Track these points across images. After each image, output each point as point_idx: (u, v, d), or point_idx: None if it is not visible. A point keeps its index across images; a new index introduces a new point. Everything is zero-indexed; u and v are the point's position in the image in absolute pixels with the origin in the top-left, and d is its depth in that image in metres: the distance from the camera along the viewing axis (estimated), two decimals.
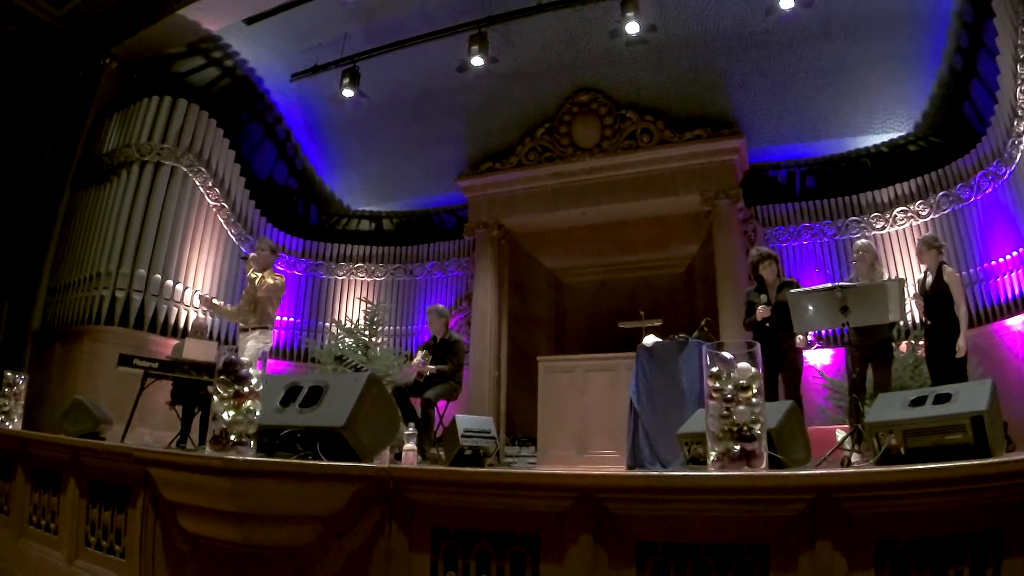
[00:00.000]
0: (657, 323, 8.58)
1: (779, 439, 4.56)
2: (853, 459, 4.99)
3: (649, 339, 7.54)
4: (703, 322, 7.76)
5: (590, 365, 9.70)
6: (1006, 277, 10.16)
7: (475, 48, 11.41)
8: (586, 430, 9.31)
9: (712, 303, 11.78)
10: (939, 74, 11.70)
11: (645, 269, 14.11)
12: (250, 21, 11.90)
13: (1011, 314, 9.98)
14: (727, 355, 2.91)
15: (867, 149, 12.82)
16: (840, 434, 6.02)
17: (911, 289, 7.46)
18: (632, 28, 11.03)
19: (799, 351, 7.00)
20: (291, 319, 13.84)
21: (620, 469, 7.13)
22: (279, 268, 12.99)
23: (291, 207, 15.24)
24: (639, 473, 2.69)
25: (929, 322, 6.86)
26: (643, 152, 12.84)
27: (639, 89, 12.98)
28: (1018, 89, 9.26)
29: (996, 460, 2.63)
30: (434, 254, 14.56)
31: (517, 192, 13.55)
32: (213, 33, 12.16)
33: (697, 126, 12.76)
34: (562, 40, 12.21)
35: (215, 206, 12.38)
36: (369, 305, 12.83)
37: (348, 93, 12.25)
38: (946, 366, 6.66)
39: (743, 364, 2.90)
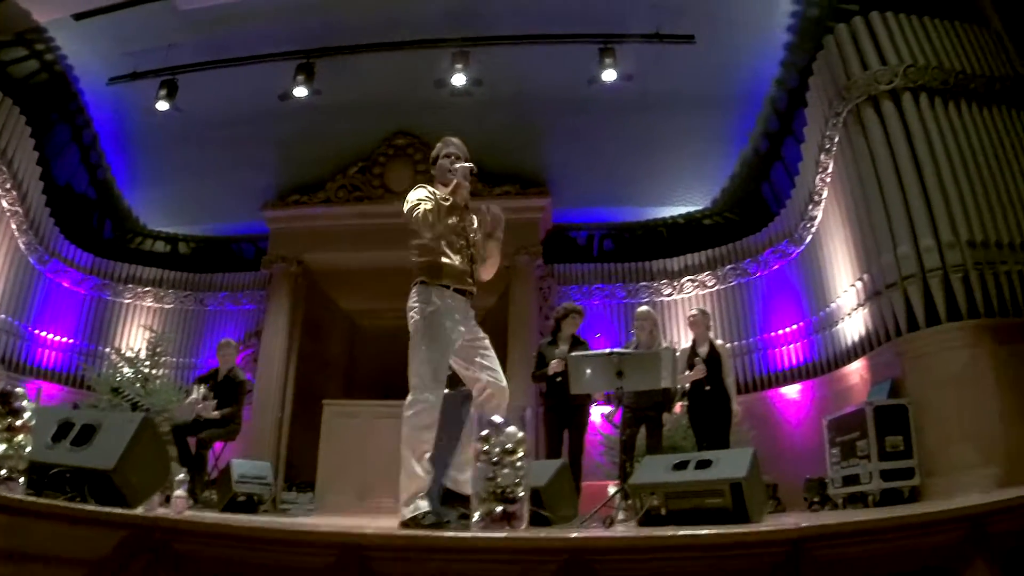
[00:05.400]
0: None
1: (547, 496, 4.68)
2: (619, 517, 5.14)
3: None
4: None
5: (377, 412, 9.58)
6: (785, 348, 11.06)
7: (301, 78, 11.28)
8: (368, 478, 9.14)
9: (502, 356, 11.84)
10: (743, 154, 12.66)
11: None
12: (79, 17, 11.01)
13: (787, 383, 10.86)
14: (496, 419, 3.00)
15: (665, 219, 13.60)
16: (612, 490, 6.22)
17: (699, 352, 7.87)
18: (459, 80, 11.26)
19: (588, 408, 7.21)
20: (68, 340, 12.59)
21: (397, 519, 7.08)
22: (63, 284, 12.27)
23: (86, 218, 14.10)
24: (403, 533, 2.70)
25: (708, 388, 7.27)
26: None
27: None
28: (818, 177, 10.12)
29: (739, 530, 2.80)
30: (228, 284, 13.83)
31: (321, 228, 13.28)
32: (40, 24, 11.21)
33: (508, 182, 13.08)
34: (389, 82, 12.15)
35: (9, 210, 11.06)
36: (153, 334, 11.97)
37: (163, 106, 11.61)
38: (715, 430, 7.18)
39: (511, 428, 3.01)
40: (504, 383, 4.42)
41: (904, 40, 9.05)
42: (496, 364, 4.50)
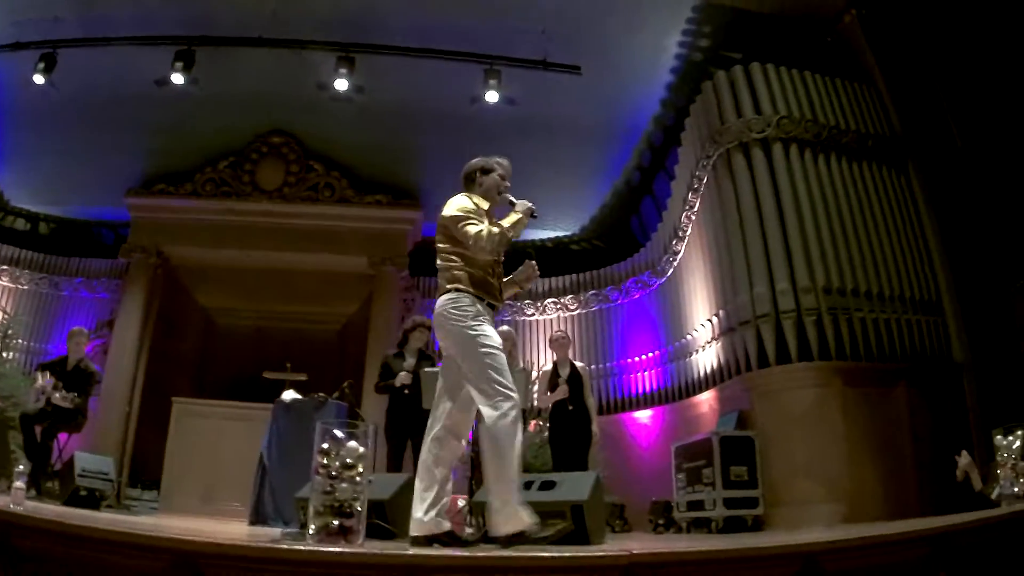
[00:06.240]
0: (302, 377, 8.46)
1: (392, 510, 4.66)
2: (467, 532, 5.15)
3: (288, 394, 7.42)
4: (345, 384, 7.73)
5: (228, 413, 9.35)
6: (640, 374, 11.42)
7: (180, 65, 10.89)
8: (215, 480, 8.88)
9: (360, 365, 11.77)
10: (615, 185, 12.99)
11: (302, 321, 13.87)
12: None
13: (640, 407, 11.23)
14: (338, 433, 2.99)
15: (533, 241, 13.81)
16: (461, 503, 6.24)
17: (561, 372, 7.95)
18: (342, 85, 11.11)
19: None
20: None
21: (243, 524, 6.90)
22: None
23: None
24: (232, 542, 2.63)
25: (571, 408, 7.35)
26: (322, 206, 12.89)
27: (333, 144, 13.01)
28: (684, 214, 10.47)
29: (576, 553, 2.84)
30: (85, 270, 13.15)
31: (185, 221, 12.84)
32: None
33: (380, 191, 13.07)
34: (270, 79, 11.85)
35: None
36: (6, 316, 11.28)
37: (39, 79, 10.97)
38: (575, 450, 7.24)
39: (352, 443, 2.99)
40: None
41: (781, 91, 9.45)
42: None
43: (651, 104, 12.07)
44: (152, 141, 12.85)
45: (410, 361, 7.14)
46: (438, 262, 4.35)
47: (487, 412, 3.89)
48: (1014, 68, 8.37)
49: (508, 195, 4.48)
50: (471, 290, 4.19)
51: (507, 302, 12.65)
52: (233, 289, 13.47)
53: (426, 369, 6.32)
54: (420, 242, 13.48)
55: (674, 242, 10.93)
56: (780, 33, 10.40)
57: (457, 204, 4.29)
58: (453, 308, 4.12)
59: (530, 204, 4.41)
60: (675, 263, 10.95)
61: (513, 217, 4.30)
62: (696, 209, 10.32)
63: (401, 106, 11.96)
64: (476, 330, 4.07)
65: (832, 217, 8.92)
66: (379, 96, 11.77)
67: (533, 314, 12.85)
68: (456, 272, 4.24)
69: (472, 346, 4.04)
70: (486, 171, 4.53)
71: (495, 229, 4.18)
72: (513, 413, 3.88)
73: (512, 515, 3.73)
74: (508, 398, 3.90)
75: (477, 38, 10.87)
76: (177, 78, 11.03)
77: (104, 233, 14.29)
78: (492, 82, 11.06)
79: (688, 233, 10.56)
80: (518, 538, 3.64)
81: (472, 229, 4.14)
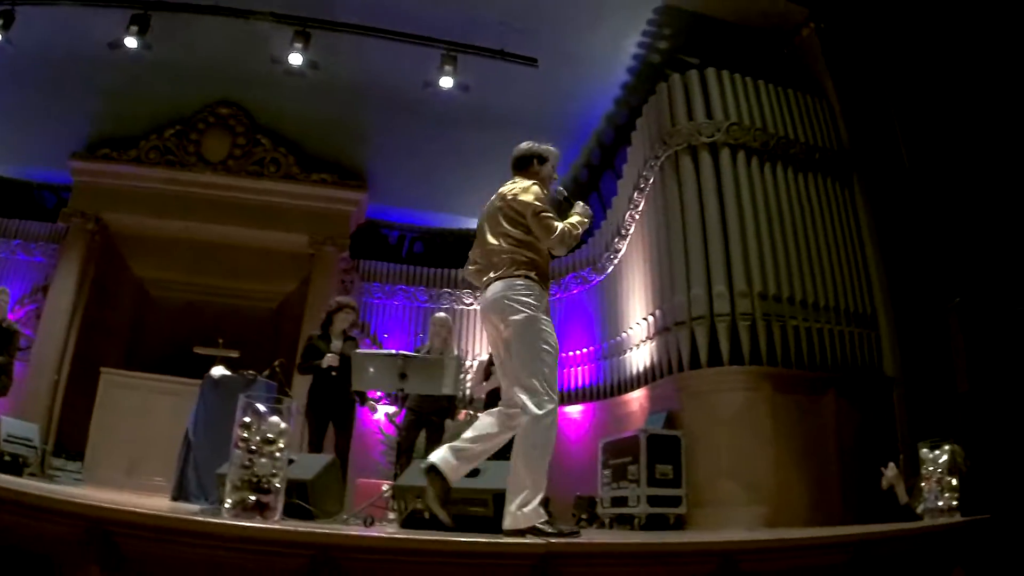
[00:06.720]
0: (234, 354, 8.30)
1: (314, 491, 4.61)
2: (390, 518, 5.12)
3: (217, 370, 7.31)
4: (276, 363, 7.63)
5: (156, 386, 9.15)
6: (574, 369, 11.48)
7: (134, 29, 10.68)
8: (140, 454, 8.67)
9: (295, 345, 11.55)
10: (562, 181, 12.80)
11: (238, 297, 13.66)
12: None
13: (572, 402, 11.27)
14: (261, 407, 2.95)
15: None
16: (385, 487, 6.21)
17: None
18: (296, 59, 11.00)
19: (355, 407, 7.13)
20: None
21: (165, 499, 6.79)
22: None
23: None
24: (149, 511, 2.59)
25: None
26: (266, 181, 12.75)
27: (282, 119, 12.85)
28: (628, 213, 10.52)
29: (493, 540, 2.84)
30: (24, 232, 12.77)
31: (126, 188, 12.58)
32: None
33: (326, 170, 12.95)
34: (223, 49, 11.61)
35: None
36: None
37: None
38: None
39: (274, 418, 2.96)
40: None
41: (734, 98, 9.53)
42: None
43: (605, 102, 12.15)
44: (100, 104, 12.56)
45: (337, 343, 7.10)
46: (495, 242, 4.30)
47: (532, 410, 3.85)
48: (965, 94, 8.56)
49: (562, 189, 4.55)
50: (540, 281, 4.17)
51: (446, 290, 12.79)
52: (170, 261, 13.22)
53: (358, 351, 6.28)
54: (364, 224, 13.42)
55: (616, 240, 11.00)
56: (738, 41, 10.52)
57: (533, 191, 4.28)
58: (525, 295, 4.07)
59: (585, 205, 4.44)
60: (615, 261, 11.02)
61: (575, 218, 4.32)
62: (640, 209, 10.39)
63: (354, 85, 11.86)
64: (544, 327, 4.04)
65: (774, 225, 9.02)
66: (333, 73, 11.64)
67: (472, 303, 12.86)
68: (527, 258, 4.19)
69: (535, 339, 4.00)
70: (542, 159, 4.57)
71: (575, 230, 4.23)
72: (554, 417, 3.88)
73: (531, 515, 3.69)
74: (553, 400, 3.90)
75: (436, 23, 10.83)
76: (131, 42, 10.82)
77: (46, 196, 13.89)
78: (448, 68, 11.05)
79: (630, 232, 10.63)
80: (533, 531, 3.59)
81: (555, 224, 4.16)
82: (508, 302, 4.05)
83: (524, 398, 3.88)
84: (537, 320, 4.02)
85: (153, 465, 8.49)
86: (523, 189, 4.28)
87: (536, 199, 4.22)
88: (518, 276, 4.12)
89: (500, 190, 4.41)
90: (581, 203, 4.46)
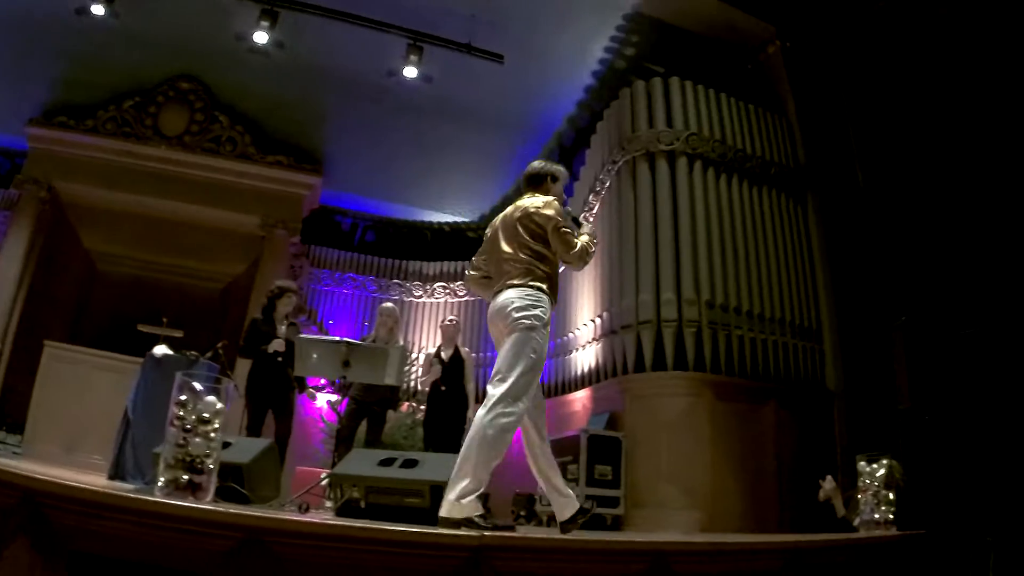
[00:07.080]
0: (178, 334, 8.18)
1: (249, 475, 4.59)
2: (327, 505, 5.12)
3: (159, 349, 7.21)
4: (219, 344, 7.56)
5: (99, 363, 8.97)
6: None
7: None
8: (80, 431, 8.51)
9: (240, 327, 11.43)
10: (519, 178, 12.87)
11: (186, 276, 13.55)
12: None
13: None
14: (197, 386, 2.95)
15: (431, 223, 14.03)
16: (323, 475, 6.20)
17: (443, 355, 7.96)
18: (261, 38, 10.87)
19: (295, 390, 7.12)
20: None
21: (101, 477, 6.71)
22: None
23: None
24: (80, 485, 2.58)
25: (444, 388, 7.44)
26: (222, 159, 12.63)
27: (243, 98, 12.71)
28: (582, 216, 10.51)
29: (427, 531, 2.87)
30: None
31: (81, 157, 12.33)
32: None
33: (283, 152, 12.85)
34: (189, 22, 11.41)
35: None
36: None
37: None
38: (447, 432, 7.36)
39: (210, 398, 2.95)
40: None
41: (696, 109, 9.66)
42: None
43: (567, 104, 12.22)
44: (61, 70, 12.28)
45: (282, 328, 7.07)
46: (510, 250, 4.37)
47: (498, 407, 3.91)
48: (921, 120, 8.74)
49: (570, 209, 4.60)
50: (551, 295, 4.27)
51: (396, 281, 12.81)
52: (120, 234, 13.02)
53: (302, 336, 6.27)
54: (317, 209, 13.37)
55: None
56: (704, 53, 10.65)
57: (554, 207, 4.40)
58: (533, 305, 4.14)
59: (591, 226, 4.67)
60: None
61: (585, 237, 4.41)
62: (594, 211, 10.49)
63: (317, 68, 11.78)
64: (540, 339, 4.11)
65: (725, 236, 9.15)
66: (297, 54, 11.53)
67: (421, 296, 12.96)
68: (543, 271, 4.29)
69: (527, 345, 4.06)
70: (555, 178, 4.71)
71: (591, 247, 4.36)
72: (515, 418, 3.93)
73: (467, 507, 3.73)
74: (519, 407, 3.95)
75: (405, 11, 10.75)
76: (98, 8, 10.64)
77: (1, 161, 13.63)
78: (413, 57, 10.97)
79: None
80: (467, 523, 3.64)
81: (575, 241, 4.30)
82: (518, 311, 4.13)
83: (496, 393, 3.94)
84: (537, 330, 4.10)
85: (93, 443, 8.34)
86: (545, 204, 4.41)
87: (557, 213, 4.35)
88: (532, 287, 4.21)
89: (519, 203, 4.52)
90: (587, 223, 4.63)
